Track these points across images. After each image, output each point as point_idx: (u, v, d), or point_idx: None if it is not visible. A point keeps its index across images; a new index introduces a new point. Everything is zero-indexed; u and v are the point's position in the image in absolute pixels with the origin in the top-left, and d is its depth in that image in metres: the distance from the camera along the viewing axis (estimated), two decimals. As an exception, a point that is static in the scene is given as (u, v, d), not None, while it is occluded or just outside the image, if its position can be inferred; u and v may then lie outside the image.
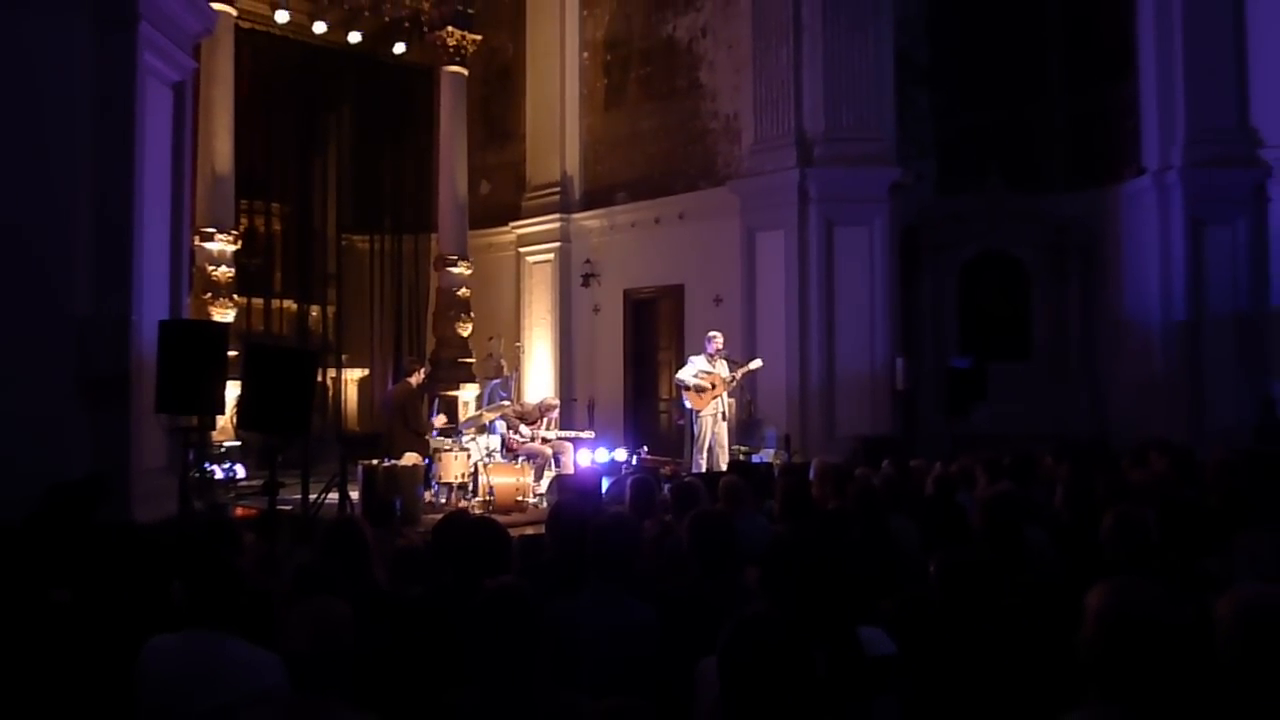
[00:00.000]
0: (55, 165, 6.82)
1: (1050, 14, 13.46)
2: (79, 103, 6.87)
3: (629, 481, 5.93)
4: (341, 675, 2.69)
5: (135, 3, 7.00)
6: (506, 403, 11.69)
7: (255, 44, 13.20)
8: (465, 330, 14.60)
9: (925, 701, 3.17)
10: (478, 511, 9.18)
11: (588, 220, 15.57)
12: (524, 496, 10.23)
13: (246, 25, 12.85)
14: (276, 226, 14.94)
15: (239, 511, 9.33)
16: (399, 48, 14.44)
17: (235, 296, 12.41)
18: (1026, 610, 3.54)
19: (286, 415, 7.16)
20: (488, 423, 11.02)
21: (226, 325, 10.87)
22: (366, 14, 13.99)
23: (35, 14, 6.78)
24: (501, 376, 13.38)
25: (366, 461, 9.61)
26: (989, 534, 4.43)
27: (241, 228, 12.96)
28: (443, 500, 10.14)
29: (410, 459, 9.96)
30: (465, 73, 14.70)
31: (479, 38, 14.77)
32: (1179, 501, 4.45)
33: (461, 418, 12.62)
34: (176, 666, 3.13)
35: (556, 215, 15.70)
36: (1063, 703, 2.54)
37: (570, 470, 10.95)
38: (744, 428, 12.28)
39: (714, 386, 11.07)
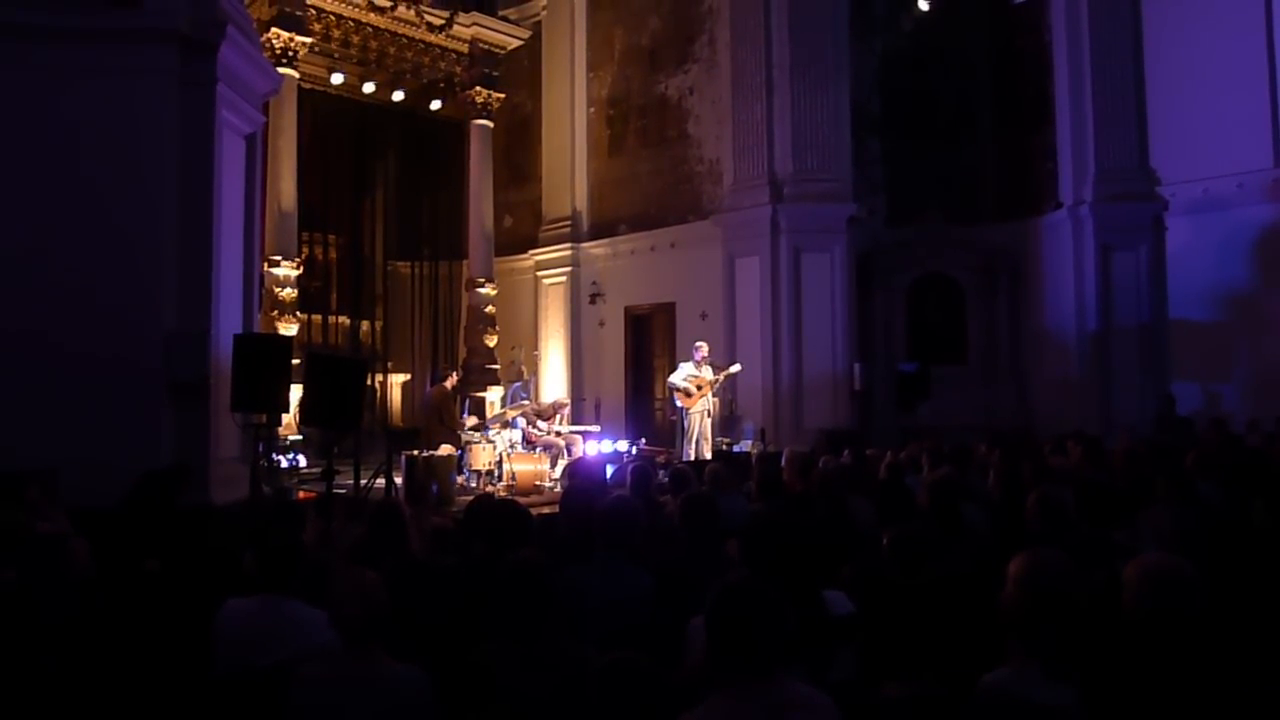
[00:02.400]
0: (149, 204, 6.80)
1: (981, 73, 13.48)
2: (167, 152, 6.85)
3: (629, 468, 5.90)
4: (381, 631, 2.69)
5: (214, 68, 6.99)
6: (526, 402, 11.65)
7: (315, 101, 13.19)
8: (491, 341, 14.57)
9: (878, 653, 3.16)
10: (503, 494, 9.16)
11: (594, 248, 15.56)
12: (541, 481, 10.19)
13: (307, 86, 12.84)
14: (333, 254, 14.92)
15: (301, 495, 9.27)
16: (435, 104, 14.43)
17: (298, 313, 12.37)
18: (964, 575, 3.52)
19: (341, 413, 7.16)
20: (510, 419, 10.98)
21: (290, 338, 10.85)
22: (408, 76, 13.99)
23: (132, 77, 6.77)
24: (522, 380, 13.35)
25: (409, 452, 9.57)
26: (933, 511, 4.41)
27: (303, 255, 12.94)
28: (473, 485, 10.09)
29: (445, 450, 9.93)
30: (491, 125, 14.68)
31: (503, 96, 14.77)
32: (1092, 483, 4.44)
33: (489, 415, 12.58)
34: (248, 625, 3.12)
35: (568, 244, 15.70)
36: (994, 653, 2.53)
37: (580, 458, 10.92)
38: (726, 422, 12.26)
39: (700, 388, 11.04)
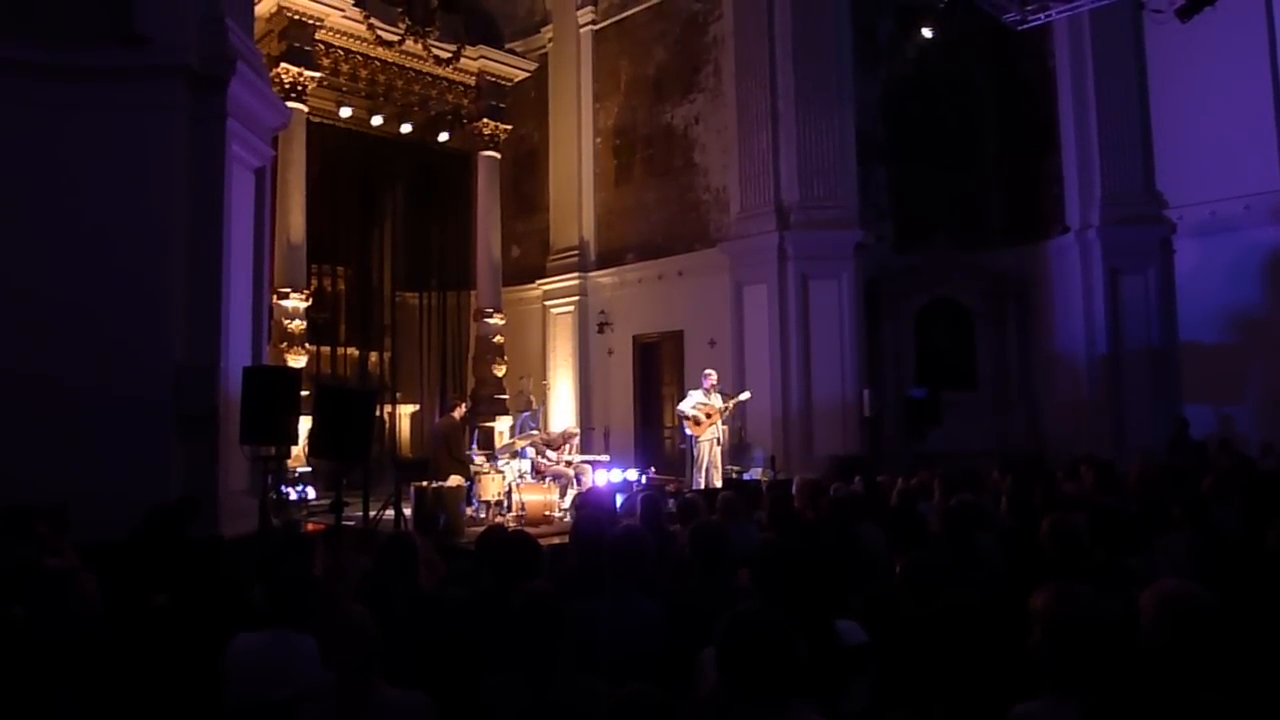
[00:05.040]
0: (159, 237, 6.86)
1: (985, 99, 13.55)
2: (177, 186, 6.92)
3: (639, 498, 5.87)
4: (376, 664, 2.67)
5: (224, 103, 7.08)
6: (535, 432, 11.63)
7: (323, 135, 13.31)
8: (500, 371, 14.59)
9: (892, 683, 3.13)
10: (512, 525, 9.12)
11: (602, 278, 15.61)
12: (551, 512, 10.13)
13: (316, 119, 12.96)
14: (341, 286, 14.99)
15: (310, 527, 9.26)
16: (443, 136, 14.56)
17: (307, 345, 12.41)
18: (978, 603, 3.49)
19: (350, 445, 7.14)
20: (519, 449, 10.95)
21: (299, 370, 10.88)
22: (416, 109, 14.12)
23: (142, 113, 6.86)
24: (531, 410, 13.35)
25: (418, 483, 9.56)
26: (946, 538, 4.38)
27: (312, 287, 12.99)
28: (482, 516, 10.05)
29: (455, 481, 9.90)
30: (498, 156, 14.80)
31: (510, 127, 14.89)
32: (1105, 508, 4.41)
33: (497, 445, 12.57)
34: (258, 659, 3.11)
35: (576, 274, 15.76)
36: (1010, 683, 2.51)
37: (589, 488, 10.88)
38: (736, 450, 12.23)
39: (710, 416, 11.03)
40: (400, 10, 13.04)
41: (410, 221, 15.63)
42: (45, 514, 4.84)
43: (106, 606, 3.79)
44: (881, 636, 3.22)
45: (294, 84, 12.08)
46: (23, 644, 3.22)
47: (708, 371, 11.44)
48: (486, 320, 14.52)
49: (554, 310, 16.20)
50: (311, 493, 10.70)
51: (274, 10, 12.01)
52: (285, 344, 11.83)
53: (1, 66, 6.54)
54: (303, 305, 12.23)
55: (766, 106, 12.83)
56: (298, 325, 12.10)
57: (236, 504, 7.09)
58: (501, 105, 14.70)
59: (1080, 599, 2.36)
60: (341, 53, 12.98)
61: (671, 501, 6.89)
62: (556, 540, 7.31)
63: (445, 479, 9.88)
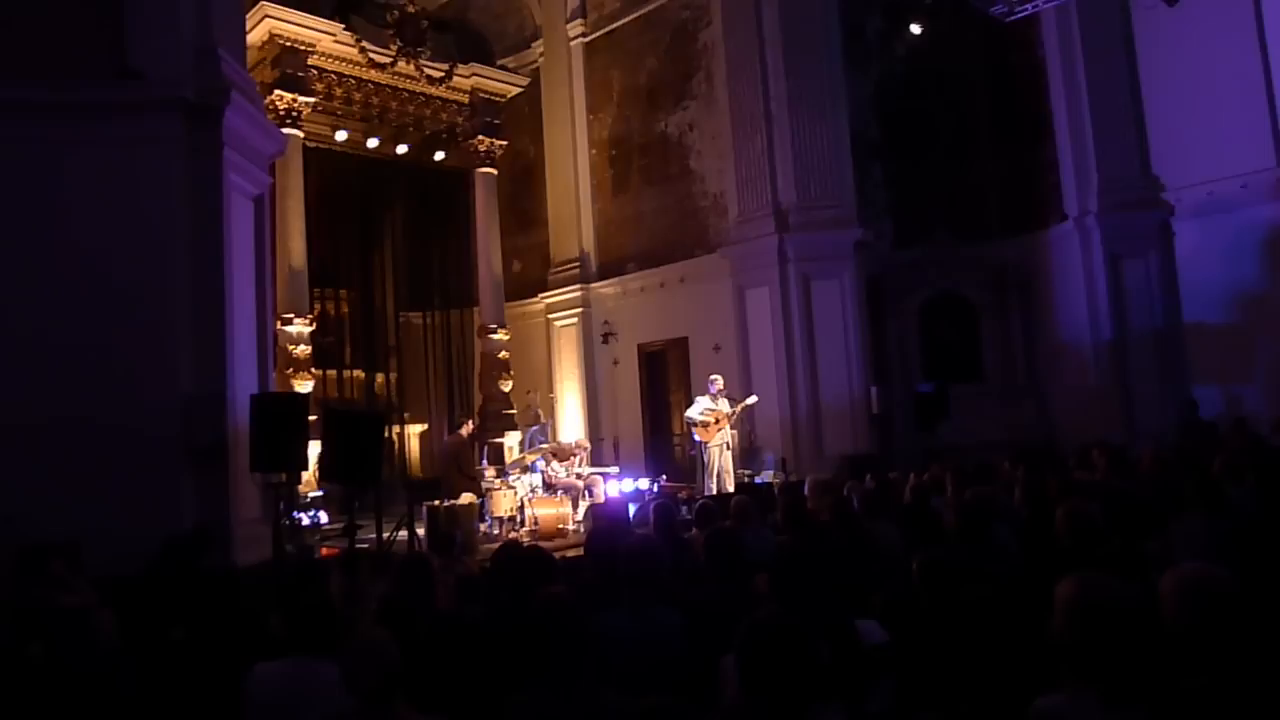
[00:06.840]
0: (162, 270, 6.86)
1: (978, 92, 13.53)
2: (177, 218, 6.92)
3: (652, 506, 5.87)
4: (398, 688, 2.66)
5: (220, 134, 7.10)
6: (544, 445, 11.63)
7: (320, 159, 13.36)
8: (506, 387, 14.60)
9: (915, 681, 3.11)
10: (526, 540, 9.10)
11: (604, 288, 15.62)
12: (564, 525, 10.13)
13: (312, 144, 13.01)
14: (344, 309, 15.02)
15: (324, 552, 9.25)
16: (439, 155, 14.61)
17: (313, 369, 12.43)
18: (996, 596, 3.47)
19: (360, 467, 7.14)
20: (530, 464, 10.95)
21: (306, 395, 10.86)
22: (411, 129, 14.18)
23: (139, 147, 6.87)
24: (539, 424, 13.34)
25: (430, 503, 9.55)
26: (962, 532, 4.35)
27: (315, 312, 13.02)
28: (495, 532, 10.04)
29: (466, 498, 9.89)
30: (495, 173, 14.84)
31: (505, 143, 14.94)
32: (1120, 494, 4.38)
33: (507, 461, 12.56)
34: (279, 689, 3.09)
35: (578, 285, 15.77)
36: (1032, 676, 2.48)
37: (601, 499, 10.87)
38: (746, 454, 12.21)
39: (718, 421, 11.01)
40: (391, 32, 13.10)
41: (410, 241, 15.67)
42: (60, 552, 4.84)
43: (124, 641, 3.79)
44: (902, 635, 3.20)
45: (289, 110, 12.13)
46: (43, 682, 3.21)
47: (714, 377, 11.43)
48: (491, 336, 14.54)
49: (558, 323, 16.21)
50: (324, 517, 10.68)
51: (266, 38, 12.08)
52: (291, 369, 11.85)
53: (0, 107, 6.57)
54: (307, 330, 12.25)
55: (760, 110, 12.84)
56: (303, 350, 12.12)
57: (250, 532, 7.07)
58: (496, 122, 14.75)
59: (1108, 589, 2.33)
60: (335, 77, 13.03)
61: (684, 508, 6.88)
62: (571, 553, 7.30)
63: (457, 497, 9.87)
